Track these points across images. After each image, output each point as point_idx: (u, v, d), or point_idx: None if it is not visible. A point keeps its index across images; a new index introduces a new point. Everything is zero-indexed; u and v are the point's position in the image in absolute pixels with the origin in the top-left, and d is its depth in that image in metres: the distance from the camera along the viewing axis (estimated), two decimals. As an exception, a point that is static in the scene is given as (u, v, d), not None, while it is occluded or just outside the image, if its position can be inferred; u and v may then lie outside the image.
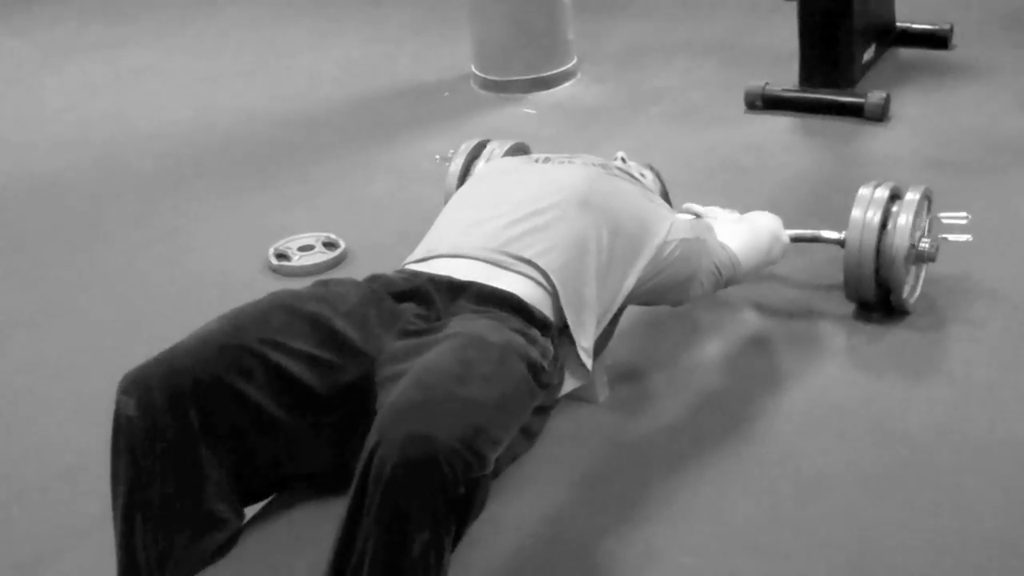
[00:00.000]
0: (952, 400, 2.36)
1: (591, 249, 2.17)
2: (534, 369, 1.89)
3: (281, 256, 3.16)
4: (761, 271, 2.70)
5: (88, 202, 3.78)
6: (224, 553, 1.92)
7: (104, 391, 1.86)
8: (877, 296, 2.61)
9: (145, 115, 4.59)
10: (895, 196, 2.61)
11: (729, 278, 2.49)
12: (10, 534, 2.19)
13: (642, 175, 2.61)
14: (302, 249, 3.20)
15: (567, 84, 4.50)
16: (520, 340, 1.92)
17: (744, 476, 2.17)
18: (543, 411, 2.07)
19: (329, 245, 3.22)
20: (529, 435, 2.04)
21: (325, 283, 2.15)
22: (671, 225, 2.33)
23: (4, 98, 5.00)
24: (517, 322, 2.00)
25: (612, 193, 2.31)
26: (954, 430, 2.26)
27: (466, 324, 1.94)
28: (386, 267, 2.31)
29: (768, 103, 4.01)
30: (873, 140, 3.75)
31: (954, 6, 4.70)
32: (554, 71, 4.47)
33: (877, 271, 2.56)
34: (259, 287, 2.97)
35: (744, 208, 2.79)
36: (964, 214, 2.64)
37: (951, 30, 4.45)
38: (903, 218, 2.53)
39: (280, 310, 1.97)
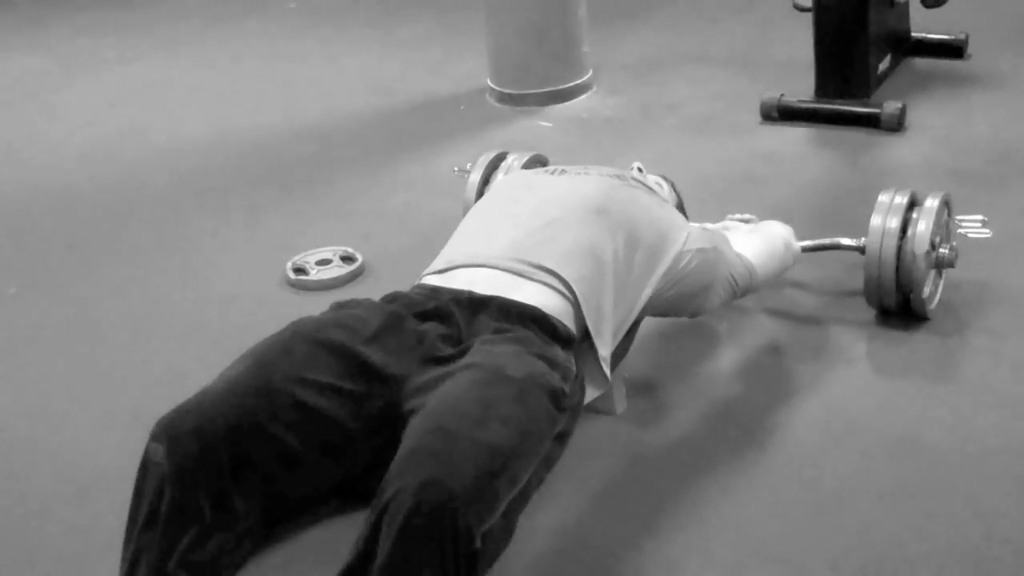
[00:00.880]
0: (971, 408, 2.35)
1: (608, 258, 2.17)
2: (555, 397, 1.89)
3: (299, 270, 3.17)
4: (776, 279, 2.71)
5: (105, 217, 3.78)
6: None
7: (121, 408, 1.85)
8: (897, 301, 2.61)
9: (162, 130, 4.60)
10: (914, 203, 2.61)
11: (745, 287, 2.49)
12: (28, 552, 2.17)
13: (659, 185, 2.62)
14: (320, 263, 3.20)
15: (583, 97, 4.49)
16: (542, 368, 1.92)
17: (763, 487, 2.16)
18: (572, 414, 2.04)
19: (347, 259, 3.22)
20: (561, 439, 2.01)
21: (343, 305, 2.15)
22: (687, 235, 2.34)
23: (21, 114, 5.02)
24: (539, 341, 2.00)
25: (629, 202, 2.32)
26: (972, 439, 2.25)
27: (487, 353, 1.94)
28: (404, 281, 2.31)
29: (784, 114, 4.00)
30: (889, 150, 3.74)
31: (969, 16, 4.68)
32: (570, 84, 4.47)
33: (897, 275, 2.56)
34: (276, 301, 3.01)
35: (760, 219, 2.81)
36: (980, 217, 2.65)
37: (966, 40, 4.43)
38: (923, 224, 2.54)
39: (302, 341, 1.98)
